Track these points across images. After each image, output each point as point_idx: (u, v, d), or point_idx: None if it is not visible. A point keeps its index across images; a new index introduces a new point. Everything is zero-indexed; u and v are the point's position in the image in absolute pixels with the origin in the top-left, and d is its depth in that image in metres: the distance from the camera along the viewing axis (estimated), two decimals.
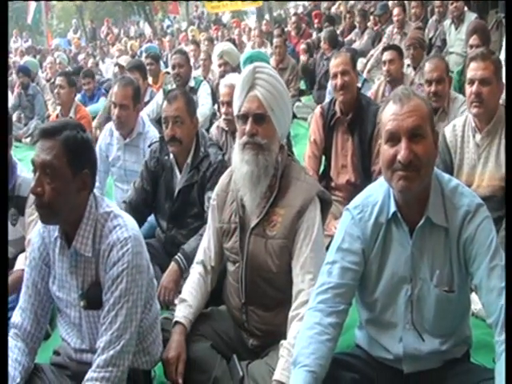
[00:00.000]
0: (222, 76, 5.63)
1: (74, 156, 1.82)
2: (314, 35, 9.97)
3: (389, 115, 1.70)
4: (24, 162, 4.19)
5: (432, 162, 1.71)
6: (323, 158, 3.83)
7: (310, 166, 3.71)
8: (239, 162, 2.10)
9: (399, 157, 1.64)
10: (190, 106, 2.97)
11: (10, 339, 1.92)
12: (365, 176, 3.53)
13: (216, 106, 5.76)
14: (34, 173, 1.82)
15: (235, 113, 2.14)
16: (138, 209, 3.06)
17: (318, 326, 1.74)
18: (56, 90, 5.63)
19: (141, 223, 2.97)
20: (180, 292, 2.78)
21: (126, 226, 1.88)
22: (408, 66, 5.28)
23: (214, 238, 2.30)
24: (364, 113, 3.54)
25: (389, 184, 1.74)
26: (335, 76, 3.60)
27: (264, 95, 2.05)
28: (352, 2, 13.44)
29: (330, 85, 6.15)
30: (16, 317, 1.99)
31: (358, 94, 3.68)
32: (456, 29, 6.76)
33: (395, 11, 7.12)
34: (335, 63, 3.65)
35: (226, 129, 3.81)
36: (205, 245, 2.34)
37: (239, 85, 2.11)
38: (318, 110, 3.83)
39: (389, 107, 1.71)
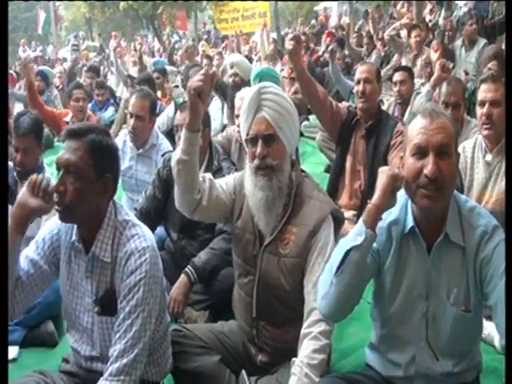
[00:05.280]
0: (232, 86, 5.68)
1: (98, 159, 1.83)
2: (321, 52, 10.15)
3: (418, 129, 1.68)
4: None
5: (454, 181, 1.72)
6: (330, 174, 3.83)
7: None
8: (252, 188, 2.07)
9: (426, 171, 1.64)
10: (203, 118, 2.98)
11: None
12: (373, 185, 3.56)
13: (225, 121, 5.80)
14: (58, 172, 1.82)
15: (243, 137, 2.11)
16: (149, 217, 3.04)
17: None
18: (80, 103, 5.60)
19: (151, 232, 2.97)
20: (189, 305, 2.79)
21: (145, 236, 1.88)
22: (422, 84, 5.32)
23: (218, 190, 2.15)
24: (383, 124, 3.57)
25: (410, 198, 1.74)
26: (358, 82, 3.66)
27: (271, 115, 2.03)
28: (360, 23, 13.63)
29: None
30: None
31: (379, 106, 3.74)
32: (466, 51, 6.83)
33: (414, 33, 7.19)
34: (360, 70, 3.71)
35: (240, 141, 3.80)
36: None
37: (245, 108, 2.07)
38: (344, 103, 3.88)
39: (417, 121, 1.70)
